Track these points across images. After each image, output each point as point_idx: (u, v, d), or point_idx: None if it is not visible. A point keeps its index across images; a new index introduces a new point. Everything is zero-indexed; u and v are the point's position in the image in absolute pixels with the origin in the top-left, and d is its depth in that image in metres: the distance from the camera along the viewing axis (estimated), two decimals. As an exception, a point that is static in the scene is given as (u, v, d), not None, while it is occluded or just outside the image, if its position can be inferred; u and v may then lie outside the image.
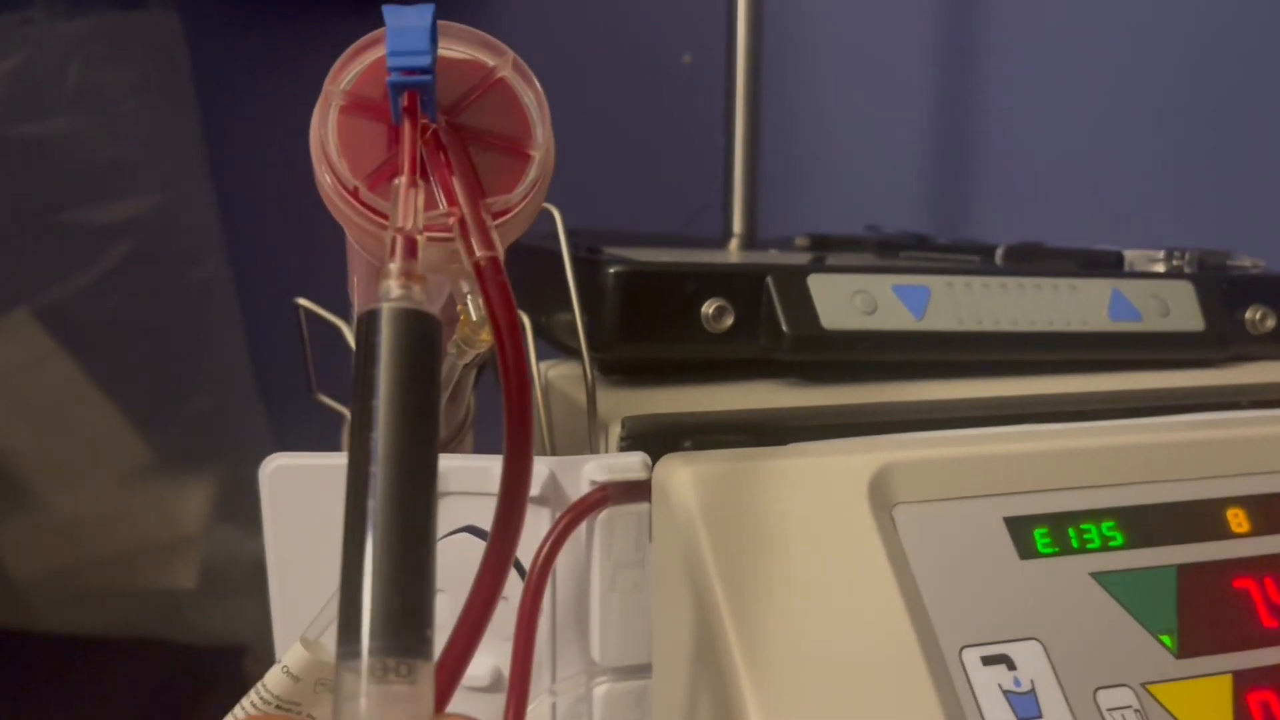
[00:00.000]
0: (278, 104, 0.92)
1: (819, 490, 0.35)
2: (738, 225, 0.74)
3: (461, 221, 0.27)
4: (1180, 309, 0.50)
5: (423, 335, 0.23)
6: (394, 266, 0.24)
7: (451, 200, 0.27)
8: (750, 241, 0.75)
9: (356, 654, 0.21)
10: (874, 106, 0.88)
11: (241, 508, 0.89)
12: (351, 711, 0.20)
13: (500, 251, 0.26)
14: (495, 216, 0.28)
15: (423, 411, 0.23)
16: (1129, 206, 0.83)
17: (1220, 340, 0.50)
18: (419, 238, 0.25)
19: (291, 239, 0.87)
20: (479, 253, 0.26)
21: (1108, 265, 0.55)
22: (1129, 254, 0.55)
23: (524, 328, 0.40)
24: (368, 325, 0.23)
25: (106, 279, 0.86)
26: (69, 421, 0.88)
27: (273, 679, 0.31)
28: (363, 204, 0.27)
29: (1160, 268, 0.54)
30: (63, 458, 0.89)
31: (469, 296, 0.29)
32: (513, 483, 0.27)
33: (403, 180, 0.25)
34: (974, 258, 0.59)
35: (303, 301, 0.41)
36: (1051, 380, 0.47)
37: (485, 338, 0.29)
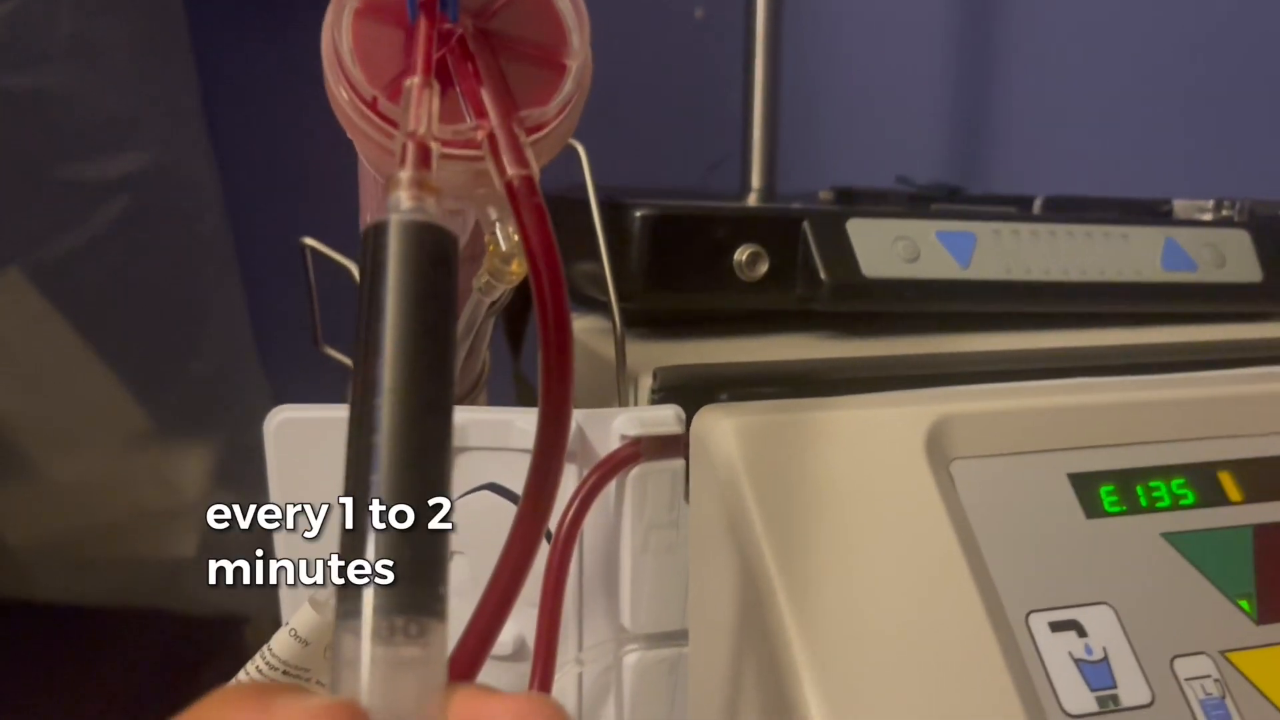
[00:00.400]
0: (276, 58, 0.89)
1: (872, 444, 0.32)
2: (756, 179, 0.71)
3: (491, 136, 0.24)
4: (1237, 259, 0.47)
5: (437, 252, 0.21)
6: (404, 175, 0.21)
7: (480, 113, 0.24)
8: (770, 196, 0.72)
9: (358, 612, 0.18)
10: (897, 55, 0.84)
11: (242, 474, 0.87)
12: (351, 679, 0.18)
13: (535, 170, 0.24)
14: (528, 132, 0.25)
15: (436, 337, 0.20)
16: (1165, 156, 0.80)
17: (1278, 292, 0.47)
18: (433, 145, 0.22)
19: (293, 198, 0.84)
20: (511, 171, 0.24)
21: (1157, 214, 0.52)
22: (1177, 204, 0.53)
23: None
24: (374, 240, 0.20)
25: (101, 238, 0.83)
26: (65, 386, 0.86)
27: (279, 643, 0.29)
28: (380, 116, 0.24)
29: (1209, 218, 0.52)
30: (59, 424, 0.86)
31: (498, 225, 0.26)
32: (552, 428, 0.24)
33: (415, 80, 0.22)
34: (1011, 209, 0.56)
35: (310, 241, 0.38)
36: (1101, 334, 0.44)
37: (516, 269, 0.26)
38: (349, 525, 0.19)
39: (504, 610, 0.24)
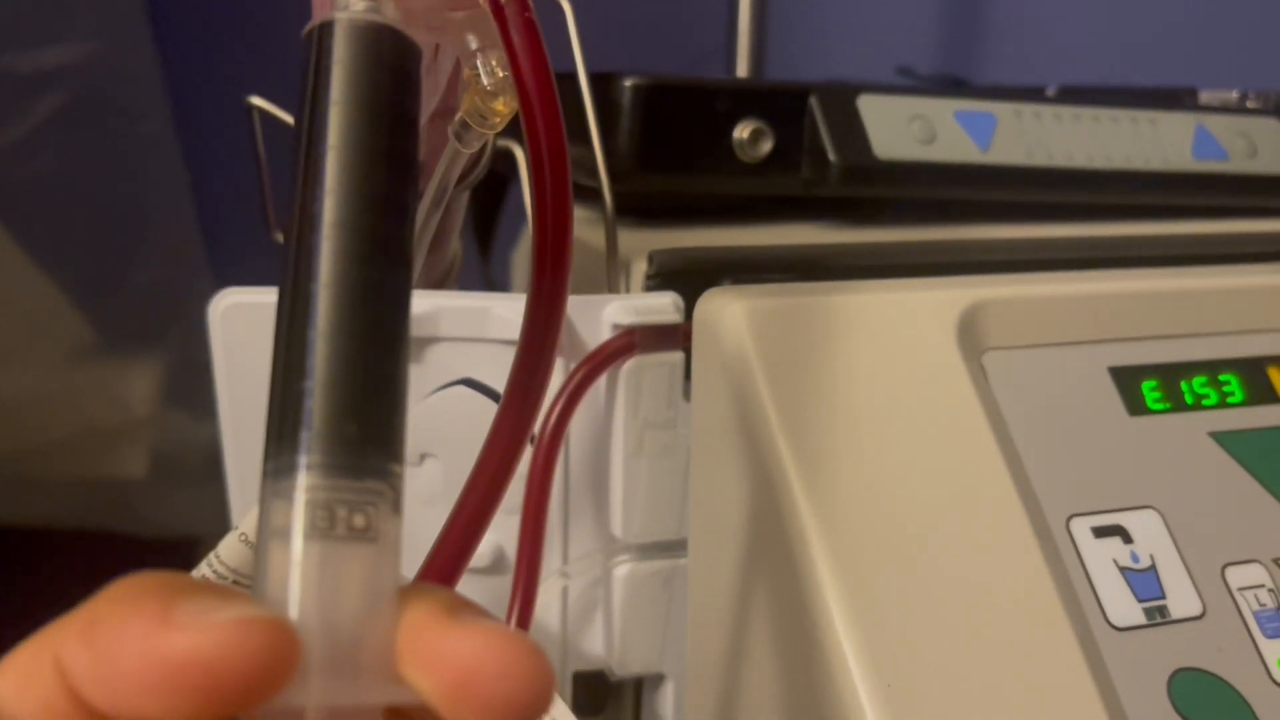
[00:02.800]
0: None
1: (898, 331, 0.29)
2: (743, 71, 0.67)
3: (472, -62, 0.20)
4: (1270, 149, 0.44)
5: (394, 60, 0.16)
6: None
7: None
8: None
9: (291, 469, 0.14)
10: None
11: (193, 390, 0.82)
12: (280, 579, 0.14)
13: (526, -21, 0.19)
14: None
15: (391, 163, 0.16)
16: (1180, 47, 0.76)
17: (1310, 186, 0.44)
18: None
19: (245, 91, 0.78)
20: (498, -20, 0.19)
21: (1182, 102, 0.48)
22: (1203, 94, 0.49)
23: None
24: (317, 44, 0.16)
25: (36, 134, 0.77)
26: (0, 296, 0.80)
27: (228, 549, 0.25)
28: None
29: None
30: (-5, 337, 0.81)
31: (479, 56, 0.22)
32: (545, 303, 0.21)
33: None
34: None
35: (258, 101, 0.33)
36: (1127, 227, 0.41)
37: (502, 108, 0.22)
38: (280, 392, 0.15)
39: (481, 522, 0.20)
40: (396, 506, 0.15)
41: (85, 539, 0.84)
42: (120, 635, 0.13)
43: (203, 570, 0.26)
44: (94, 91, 0.79)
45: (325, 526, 0.14)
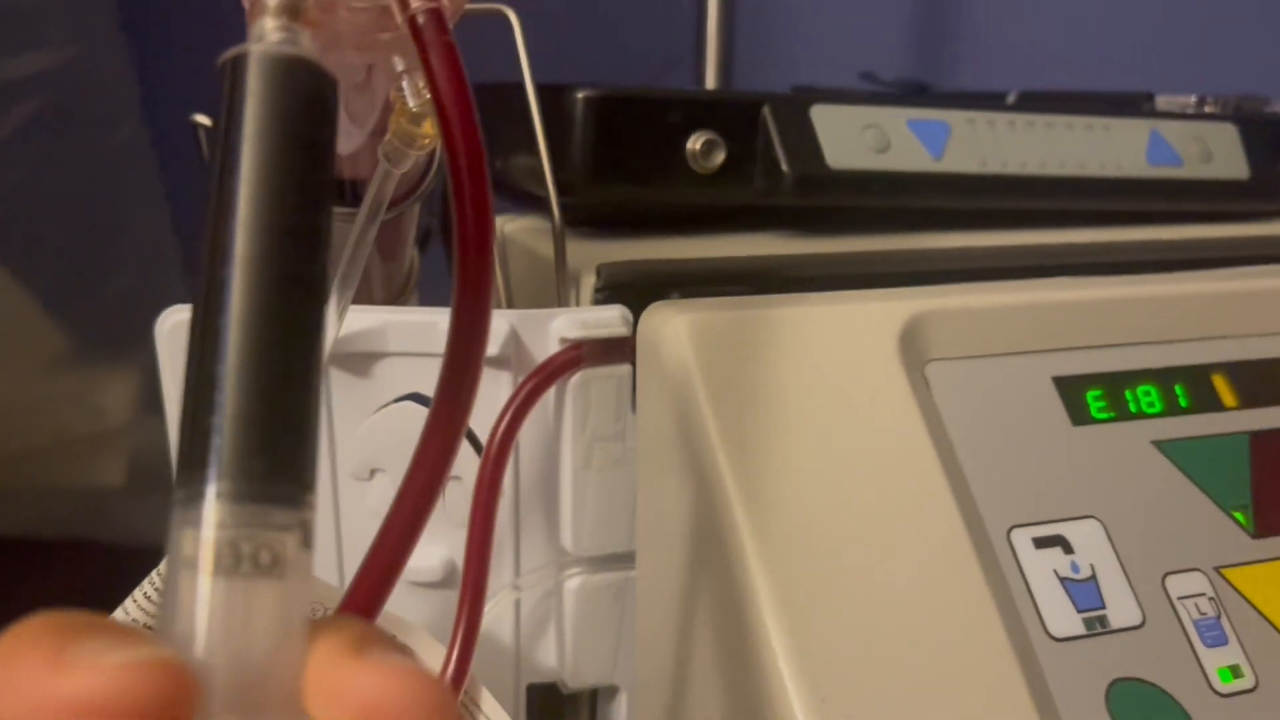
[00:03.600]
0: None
1: (840, 344, 0.29)
2: (711, 80, 0.67)
3: (391, -39, 0.20)
4: (1224, 154, 0.44)
5: (309, 93, 0.17)
6: (273, 0, 0.17)
7: (377, -66, 0.20)
8: (727, 97, 0.67)
9: (198, 498, 0.14)
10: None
11: (170, 398, 0.82)
12: (186, 616, 0.14)
13: (445, 2, 0.20)
14: (438, -40, 0.21)
15: (304, 196, 0.16)
16: (1142, 52, 0.76)
17: (1265, 190, 0.44)
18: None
19: (217, 99, 0.78)
20: (415, 3, 0.19)
21: (1139, 108, 0.48)
22: (1160, 99, 0.49)
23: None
24: (231, 76, 0.16)
25: (10, 143, 0.76)
26: (-27, 305, 0.80)
27: (160, 574, 0.25)
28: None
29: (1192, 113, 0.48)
30: (-32, 346, 0.81)
31: (405, 78, 0.22)
32: (466, 326, 0.21)
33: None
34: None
35: (201, 119, 0.33)
36: (1080, 234, 0.41)
37: (428, 131, 0.22)
38: (190, 425, 0.15)
39: (411, 536, 0.20)
40: (305, 541, 0.15)
41: (63, 548, 0.84)
42: (11, 677, 0.13)
43: (144, 588, 0.26)
44: (68, 99, 0.79)
45: (230, 564, 0.14)
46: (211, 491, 0.15)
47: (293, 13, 0.17)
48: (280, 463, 0.15)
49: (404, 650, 0.16)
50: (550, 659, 0.34)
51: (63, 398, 0.83)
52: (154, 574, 0.26)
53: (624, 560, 0.33)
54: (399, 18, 0.20)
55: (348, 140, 0.30)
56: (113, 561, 0.85)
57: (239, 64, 0.17)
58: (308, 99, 0.17)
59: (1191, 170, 0.43)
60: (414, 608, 0.33)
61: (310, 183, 0.17)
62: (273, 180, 0.16)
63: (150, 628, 0.26)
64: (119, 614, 0.27)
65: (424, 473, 0.21)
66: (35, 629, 0.14)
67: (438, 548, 0.33)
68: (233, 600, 0.14)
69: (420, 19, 0.19)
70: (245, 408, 0.15)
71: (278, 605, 0.14)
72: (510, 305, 0.39)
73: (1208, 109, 0.49)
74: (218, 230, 0.16)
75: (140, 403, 0.84)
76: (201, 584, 0.14)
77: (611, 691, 0.35)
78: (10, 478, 0.83)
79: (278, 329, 0.15)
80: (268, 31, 0.17)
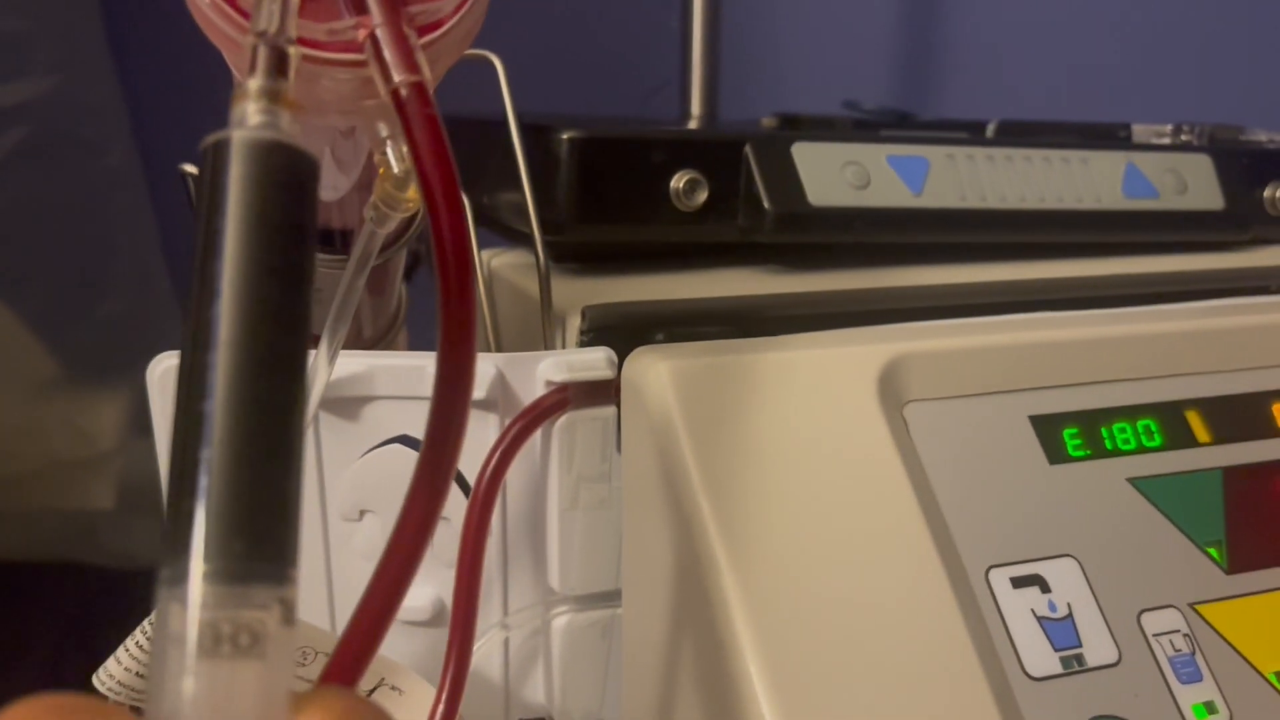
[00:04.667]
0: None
1: (819, 387, 0.29)
2: (696, 106, 0.67)
3: (373, 36, 0.20)
4: (1199, 185, 0.45)
5: (289, 176, 0.17)
6: (253, 84, 0.17)
7: (359, 7, 0.20)
8: (711, 124, 0.68)
9: (182, 578, 0.15)
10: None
11: (160, 421, 0.82)
12: (171, 693, 0.14)
13: (428, 76, 0.20)
14: (421, 32, 0.21)
15: (287, 279, 0.17)
16: (1121, 81, 0.77)
17: (1240, 220, 0.45)
18: (290, 49, 0.18)
19: (209, 125, 0.78)
20: (398, 77, 0.20)
21: (1116, 139, 0.49)
22: (1136, 129, 0.50)
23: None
24: (213, 161, 0.17)
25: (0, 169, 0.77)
26: (-37, 330, 0.80)
27: (144, 634, 0.25)
28: (238, 9, 0.20)
29: (1168, 144, 0.49)
30: (-42, 370, 0.81)
31: (389, 143, 0.22)
32: (451, 373, 0.21)
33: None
34: (964, 134, 0.53)
35: (190, 169, 0.34)
36: (1058, 266, 0.42)
37: (412, 195, 0.23)
38: (174, 506, 0.15)
39: (401, 586, 0.20)
40: (286, 618, 0.16)
41: (52, 571, 0.84)
42: None
43: (137, 637, 0.26)
44: (57, 125, 0.79)
45: (211, 645, 0.15)
46: (195, 572, 0.15)
47: (273, 96, 0.18)
48: (261, 542, 0.16)
49: None
50: (539, 695, 0.35)
51: (52, 421, 0.84)
52: (146, 623, 0.27)
53: (610, 598, 0.33)
54: (382, 91, 0.20)
55: (334, 188, 0.30)
56: (102, 584, 0.85)
57: (220, 149, 0.17)
58: (288, 184, 0.17)
59: (1167, 202, 0.44)
60: (402, 646, 0.34)
61: (292, 266, 0.17)
62: (255, 264, 0.17)
63: (137, 689, 0.26)
64: (112, 662, 0.27)
65: (413, 524, 0.21)
66: (32, 711, 0.14)
67: (426, 587, 0.33)
68: (215, 683, 0.15)
69: (403, 92, 0.20)
70: (226, 492, 0.16)
71: (258, 685, 0.15)
72: (498, 346, 0.39)
73: (1184, 137, 0.50)
74: (200, 313, 0.16)
75: (130, 426, 0.84)
76: (186, 665, 0.15)
77: (599, 726, 0.35)
78: (1, 502, 0.83)
79: (259, 412, 0.16)
80: (249, 115, 0.17)
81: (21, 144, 0.78)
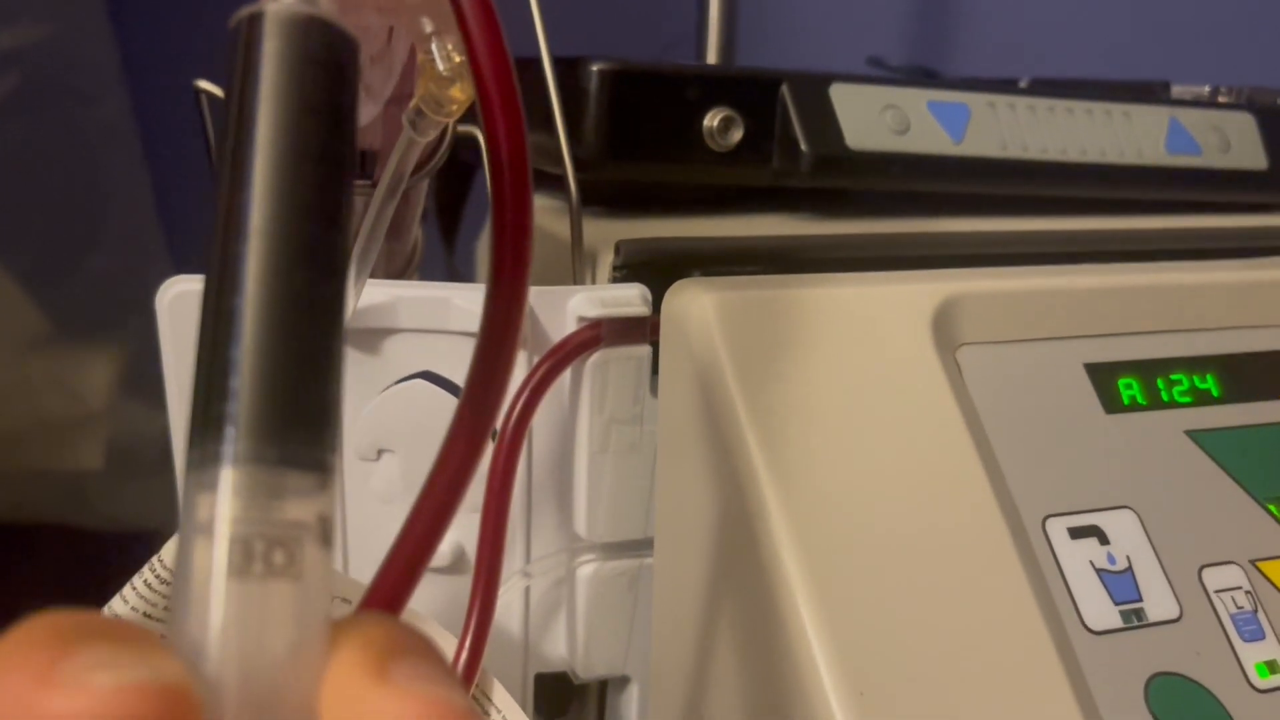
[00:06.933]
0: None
1: (871, 326, 0.28)
2: (713, 59, 0.66)
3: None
4: (1242, 144, 0.43)
5: (328, 55, 0.15)
6: None
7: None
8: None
9: (215, 459, 0.13)
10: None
11: (151, 381, 0.80)
12: (198, 621, 0.13)
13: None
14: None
15: (324, 164, 0.15)
16: (1155, 40, 0.75)
17: (1283, 181, 0.44)
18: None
19: (201, 76, 0.76)
20: (452, -46, 0.18)
21: (1156, 96, 0.48)
22: (1175, 88, 0.49)
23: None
24: (246, 37, 0.15)
25: (-13, 119, 0.74)
26: (-51, 284, 0.78)
27: (169, 552, 0.24)
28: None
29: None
30: (-56, 326, 0.79)
31: (433, 40, 0.21)
32: (504, 302, 0.19)
33: None
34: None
35: (205, 85, 0.32)
36: (1100, 221, 0.40)
37: (458, 95, 0.21)
38: (198, 419, 0.14)
39: (438, 529, 0.19)
40: (323, 538, 0.14)
41: (41, 533, 0.82)
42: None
43: (145, 575, 0.25)
44: (49, 75, 0.77)
45: (241, 563, 0.13)
46: (229, 454, 0.14)
47: (311, -29, 0.16)
48: (298, 425, 0.14)
49: (433, 660, 0.14)
50: (560, 648, 0.33)
51: (41, 380, 0.81)
52: (155, 560, 0.25)
53: (639, 547, 0.32)
54: (435, -31, 0.18)
55: (363, 112, 0.29)
56: (92, 546, 0.84)
57: (254, 25, 0.15)
58: (327, 63, 0.15)
59: (1210, 159, 0.42)
60: (421, 594, 0.32)
61: (331, 152, 0.15)
62: (291, 150, 0.15)
63: (154, 616, 0.25)
64: (117, 601, 0.25)
65: (457, 456, 0.19)
66: (34, 634, 0.12)
67: (449, 532, 0.31)
68: (247, 606, 0.13)
69: (458, -30, 0.18)
70: (261, 384, 0.14)
71: (292, 610, 0.13)
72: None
73: (1221, 99, 0.48)
74: (231, 203, 0.14)
75: (120, 386, 0.82)
76: (214, 587, 0.13)
77: (622, 682, 0.34)
78: (-13, 461, 0.81)
79: (297, 309, 0.14)
80: None
81: (11, 94, 0.76)
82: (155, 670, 0.12)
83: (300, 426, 0.14)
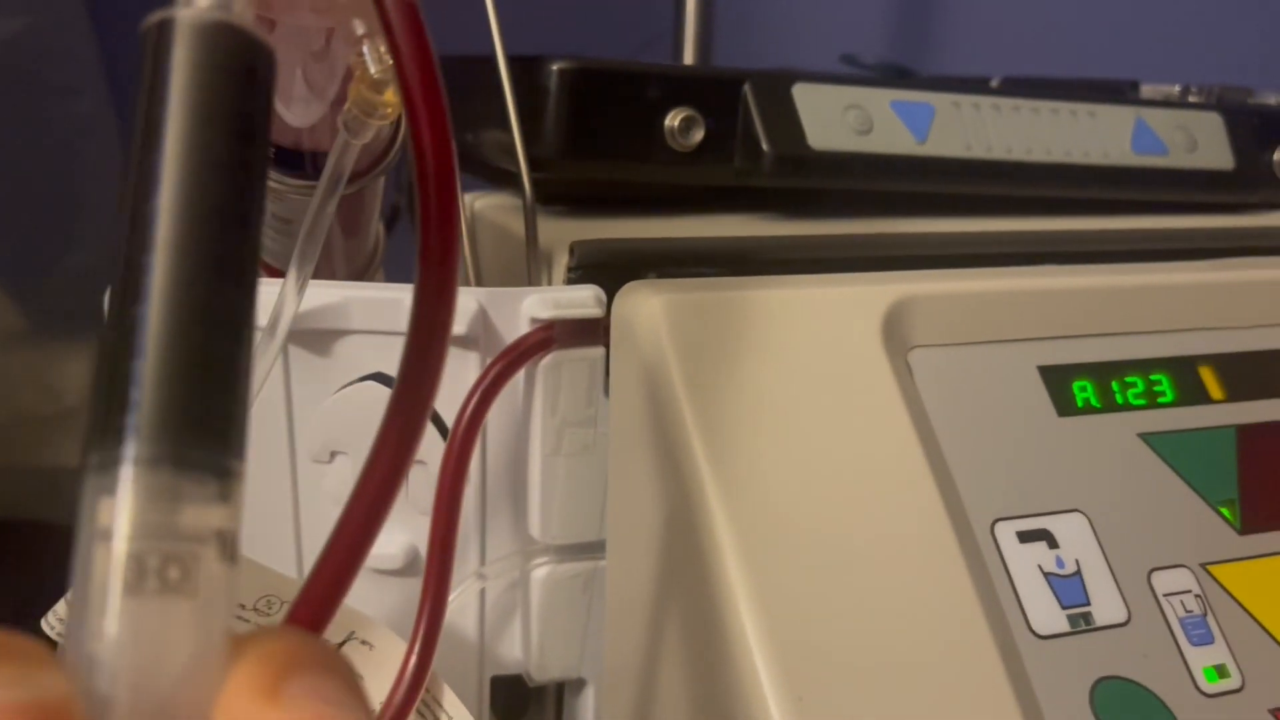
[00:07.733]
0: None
1: (822, 328, 0.28)
2: (689, 58, 0.65)
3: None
4: (1209, 144, 0.43)
5: (240, 63, 0.15)
6: None
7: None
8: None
9: (114, 463, 0.13)
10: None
11: (130, 377, 0.80)
12: (93, 628, 0.13)
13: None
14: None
15: (234, 173, 0.15)
16: (1127, 39, 0.75)
17: (1249, 181, 0.44)
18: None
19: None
20: (378, -44, 0.18)
21: (1124, 95, 0.48)
22: (1144, 88, 0.49)
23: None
24: (155, 44, 0.15)
25: (-38, 114, 0.74)
26: (-76, 281, 0.78)
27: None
28: None
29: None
30: (-80, 323, 0.78)
31: (365, 43, 0.21)
32: (430, 302, 0.19)
33: None
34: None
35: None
36: (1065, 222, 0.40)
37: (390, 99, 0.21)
38: (99, 425, 0.14)
39: (370, 529, 0.19)
40: (223, 551, 0.14)
41: (16, 529, 0.82)
42: None
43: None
44: (26, 68, 0.77)
45: (135, 581, 0.13)
46: (128, 457, 0.13)
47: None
48: (200, 429, 0.14)
49: (333, 676, 0.14)
50: (515, 651, 0.33)
51: (19, 376, 0.81)
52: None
53: (593, 549, 0.32)
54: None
55: (307, 112, 0.28)
56: (67, 542, 0.83)
57: (163, 30, 0.15)
58: (239, 70, 0.15)
59: (1177, 159, 0.42)
60: (374, 597, 0.32)
61: (241, 161, 0.15)
62: (199, 159, 0.15)
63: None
64: (61, 605, 0.25)
65: (385, 460, 0.19)
66: None
67: (400, 534, 0.31)
68: (141, 622, 0.13)
69: (382, -27, 0.18)
70: (162, 392, 0.14)
71: (188, 627, 0.13)
72: (479, 284, 0.37)
73: (1191, 99, 0.48)
74: (137, 213, 0.14)
75: (98, 382, 0.82)
76: (108, 603, 0.13)
77: (579, 685, 0.34)
78: (-37, 458, 0.81)
79: (201, 318, 0.14)
80: None
81: (-12, 87, 0.75)
82: (35, 689, 0.12)
83: (202, 433, 0.14)
